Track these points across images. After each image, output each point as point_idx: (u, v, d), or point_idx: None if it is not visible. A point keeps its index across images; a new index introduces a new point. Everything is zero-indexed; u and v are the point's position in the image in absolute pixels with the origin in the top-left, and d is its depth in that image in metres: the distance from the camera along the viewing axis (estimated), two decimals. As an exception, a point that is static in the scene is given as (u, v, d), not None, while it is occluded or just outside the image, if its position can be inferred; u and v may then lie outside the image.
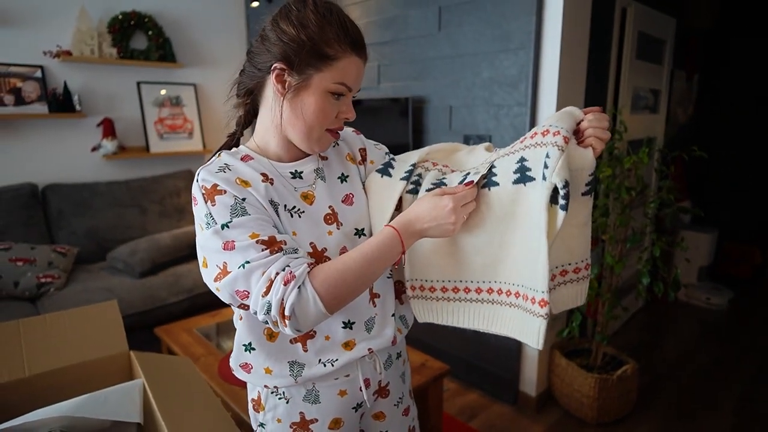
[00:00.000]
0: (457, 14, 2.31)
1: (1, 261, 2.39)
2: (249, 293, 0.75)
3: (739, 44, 4.13)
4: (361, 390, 0.96)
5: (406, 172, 0.93)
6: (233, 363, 0.92)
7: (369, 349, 0.93)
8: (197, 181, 0.81)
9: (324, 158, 0.94)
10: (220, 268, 0.76)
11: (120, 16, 3.03)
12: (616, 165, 2.11)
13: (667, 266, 2.43)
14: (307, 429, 0.94)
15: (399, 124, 2.55)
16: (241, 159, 0.86)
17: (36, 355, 0.93)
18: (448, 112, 2.43)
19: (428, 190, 0.89)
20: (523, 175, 0.79)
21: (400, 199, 0.93)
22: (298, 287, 0.73)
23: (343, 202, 0.92)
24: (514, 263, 0.83)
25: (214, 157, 0.87)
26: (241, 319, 0.90)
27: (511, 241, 0.83)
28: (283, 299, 0.73)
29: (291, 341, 0.89)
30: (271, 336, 0.89)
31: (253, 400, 0.98)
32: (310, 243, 0.85)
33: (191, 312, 2.61)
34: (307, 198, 0.88)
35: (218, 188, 0.79)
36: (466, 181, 0.85)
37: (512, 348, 2.29)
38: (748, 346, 3.01)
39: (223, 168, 0.82)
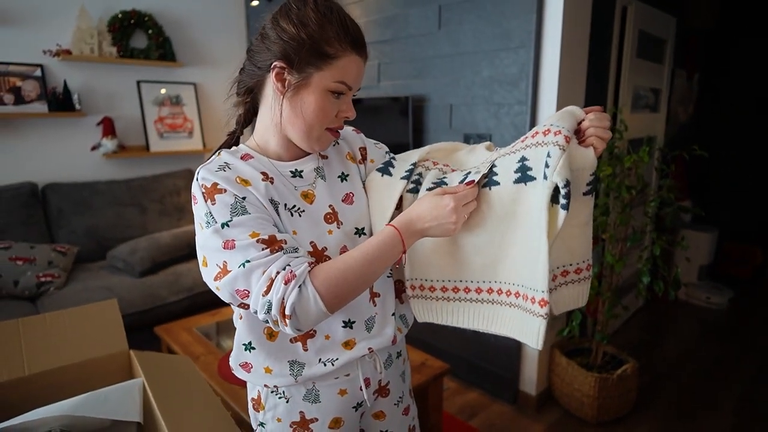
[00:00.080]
0: (457, 13, 2.30)
1: (1, 260, 2.39)
2: (249, 292, 0.75)
3: (740, 44, 4.13)
4: (361, 389, 0.96)
5: (406, 172, 0.93)
6: (233, 362, 0.92)
7: (369, 349, 0.93)
8: (197, 179, 0.81)
9: (324, 157, 0.94)
10: (220, 267, 0.76)
11: (120, 15, 3.02)
12: (617, 164, 2.11)
13: (668, 265, 2.42)
14: (307, 428, 0.93)
15: (399, 123, 2.55)
16: (241, 158, 0.86)
17: (36, 354, 0.93)
18: (449, 111, 2.43)
19: (429, 190, 0.89)
20: (524, 175, 0.79)
21: (401, 199, 0.92)
22: (299, 286, 0.73)
23: (343, 201, 0.92)
24: (513, 263, 0.83)
25: (214, 156, 0.87)
26: (241, 318, 0.90)
27: (512, 240, 0.83)
28: (283, 298, 0.73)
29: (291, 340, 0.89)
30: (271, 335, 0.89)
31: (253, 399, 0.98)
32: (311, 242, 0.85)
33: (191, 311, 2.61)
34: (308, 197, 0.88)
35: (218, 187, 0.79)
36: (467, 181, 0.85)
37: (512, 347, 2.29)
38: (749, 345, 3.01)
39: (223, 167, 0.82)
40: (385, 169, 0.96)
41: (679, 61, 3.63)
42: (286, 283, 0.73)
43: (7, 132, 2.76)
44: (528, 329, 0.81)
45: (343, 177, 0.94)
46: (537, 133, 0.79)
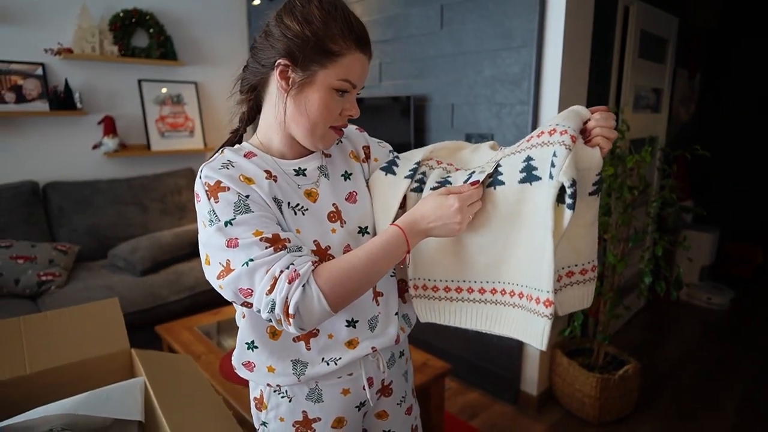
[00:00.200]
0: (459, 12, 2.30)
1: (2, 259, 2.39)
2: (252, 291, 0.75)
3: (742, 44, 4.12)
4: (364, 389, 0.95)
5: (410, 171, 0.93)
6: (236, 361, 0.92)
7: (372, 348, 0.92)
8: (200, 177, 0.80)
9: (327, 156, 0.94)
10: (223, 265, 0.76)
11: (121, 14, 3.02)
12: (619, 164, 2.11)
13: (669, 265, 2.42)
14: (309, 428, 0.93)
15: (401, 122, 2.55)
16: (245, 156, 0.86)
17: (37, 353, 0.92)
18: (450, 111, 2.42)
19: (433, 189, 0.88)
20: (529, 175, 0.79)
21: (404, 198, 0.92)
22: (303, 285, 0.73)
23: (346, 199, 0.91)
24: (518, 263, 0.83)
25: (217, 154, 0.86)
26: (244, 317, 0.89)
27: (516, 241, 0.82)
28: (287, 297, 0.72)
29: (294, 339, 0.89)
30: (274, 334, 0.88)
31: (255, 398, 0.97)
32: (314, 241, 0.85)
33: (192, 310, 2.61)
34: (311, 195, 0.88)
35: (221, 185, 0.78)
36: (471, 180, 0.85)
37: (513, 347, 2.29)
38: (750, 346, 3.01)
39: (226, 165, 0.82)
40: (389, 168, 0.95)
41: (681, 61, 3.63)
42: (289, 282, 0.72)
43: (8, 130, 2.76)
44: (532, 330, 0.80)
45: (347, 176, 0.94)
46: (542, 132, 0.79)
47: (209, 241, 0.77)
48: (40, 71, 2.79)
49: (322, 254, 0.85)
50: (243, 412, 1.54)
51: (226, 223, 0.76)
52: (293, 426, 0.93)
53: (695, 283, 3.66)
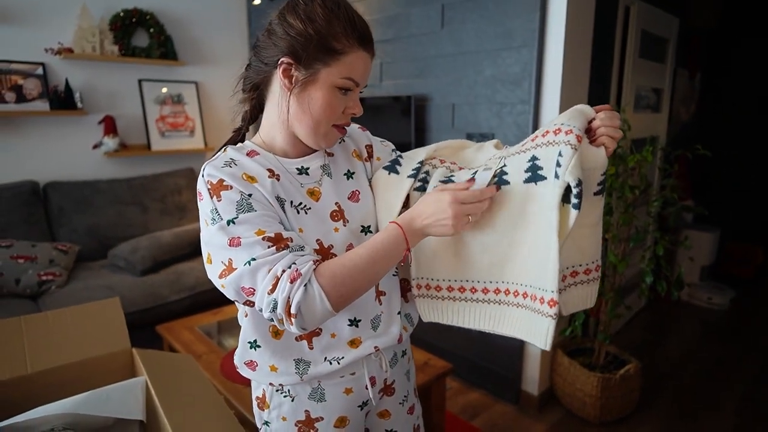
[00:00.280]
0: (460, 12, 2.30)
1: (3, 258, 2.38)
2: (254, 290, 0.74)
3: (742, 44, 4.12)
4: (366, 388, 0.95)
5: (413, 170, 0.92)
6: (238, 360, 0.91)
7: (375, 347, 0.92)
8: (203, 176, 0.80)
9: (330, 155, 0.94)
10: (225, 264, 0.76)
11: (121, 14, 3.02)
12: (620, 163, 2.10)
13: (670, 265, 2.42)
14: (312, 427, 0.93)
15: (401, 122, 2.54)
16: (247, 154, 0.85)
17: (38, 352, 0.92)
18: (451, 110, 2.42)
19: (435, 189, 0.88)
20: (534, 174, 0.78)
21: (408, 197, 0.92)
22: (305, 285, 0.73)
23: (349, 198, 0.91)
24: (522, 263, 0.82)
25: (219, 152, 0.86)
26: (246, 316, 0.89)
27: (520, 240, 0.82)
28: (289, 297, 0.72)
29: (296, 339, 0.88)
30: (277, 333, 0.88)
31: (257, 398, 0.97)
32: (317, 240, 0.84)
33: (193, 310, 2.61)
34: (314, 194, 0.87)
35: (224, 183, 0.78)
36: (467, 178, 0.85)
37: (515, 347, 2.29)
38: (750, 346, 3.01)
39: (229, 163, 0.82)
40: (392, 168, 0.95)
41: (681, 61, 3.63)
42: (291, 282, 0.72)
43: (8, 130, 2.76)
44: (536, 330, 0.80)
45: (349, 174, 0.94)
46: (548, 132, 0.79)
47: (211, 239, 0.77)
48: (40, 71, 2.79)
49: (324, 253, 0.84)
50: (244, 411, 1.54)
51: (228, 222, 0.76)
52: (296, 425, 0.93)
53: (696, 283, 3.66)
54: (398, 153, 1.01)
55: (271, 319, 0.75)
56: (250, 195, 0.79)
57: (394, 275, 0.96)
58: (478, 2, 2.21)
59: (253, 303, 0.76)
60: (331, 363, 0.89)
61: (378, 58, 2.71)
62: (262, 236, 0.75)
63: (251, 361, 0.90)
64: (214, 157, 0.84)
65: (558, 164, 0.74)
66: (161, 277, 2.65)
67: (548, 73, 2.03)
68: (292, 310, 0.72)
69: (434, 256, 0.92)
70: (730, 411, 2.34)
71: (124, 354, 0.98)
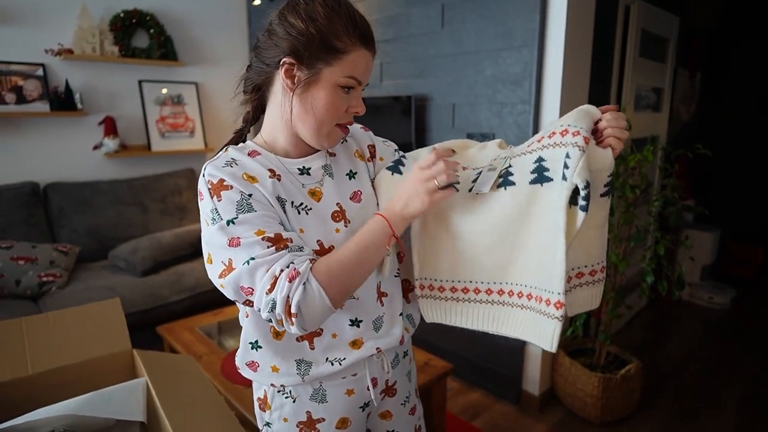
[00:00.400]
0: (460, 12, 2.30)
1: (3, 260, 2.38)
2: (253, 290, 0.74)
3: (742, 44, 4.12)
4: (368, 389, 0.95)
5: None
6: (239, 361, 0.91)
7: (377, 349, 0.92)
8: (203, 175, 0.80)
9: (332, 155, 0.93)
10: (225, 264, 0.76)
11: (121, 14, 3.02)
12: (621, 163, 2.10)
13: (671, 265, 2.42)
14: (313, 428, 0.93)
15: (401, 122, 2.54)
16: (249, 154, 0.85)
17: (39, 354, 0.92)
18: (451, 110, 2.42)
19: (440, 189, 0.88)
20: (540, 176, 0.78)
21: None
22: (303, 283, 0.73)
23: (351, 199, 0.91)
24: (526, 264, 0.82)
25: (221, 152, 0.86)
26: (247, 316, 0.89)
27: (525, 241, 0.81)
28: (288, 296, 0.72)
29: (297, 339, 0.88)
30: (278, 334, 0.88)
31: (259, 399, 0.97)
32: (317, 241, 0.84)
33: (193, 311, 2.61)
34: (315, 195, 0.87)
35: (225, 183, 0.78)
36: (473, 178, 0.85)
37: (515, 347, 2.29)
38: (751, 345, 3.01)
39: (230, 163, 0.82)
40: (395, 168, 0.95)
41: (682, 61, 3.63)
42: (290, 281, 0.72)
43: (8, 131, 2.76)
44: (542, 331, 0.80)
45: (352, 175, 0.93)
46: (554, 133, 0.78)
47: (212, 239, 0.77)
48: (40, 72, 2.79)
49: (325, 254, 0.84)
50: (245, 412, 1.54)
51: (228, 222, 0.76)
52: (297, 426, 0.93)
53: (697, 283, 3.66)
54: (401, 153, 1.01)
55: (270, 320, 0.75)
56: (250, 195, 0.78)
57: (396, 276, 0.96)
58: (478, 2, 2.21)
59: (253, 303, 0.76)
60: (332, 364, 0.89)
61: (378, 58, 2.71)
62: (261, 236, 0.75)
63: (252, 361, 0.90)
64: (215, 157, 0.84)
65: (566, 166, 0.74)
66: (162, 278, 2.64)
67: (548, 72, 2.03)
68: (293, 310, 0.72)
69: (438, 256, 0.91)
70: (731, 410, 2.34)
71: (124, 355, 0.98)
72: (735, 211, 4.19)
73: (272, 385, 0.92)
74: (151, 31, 3.14)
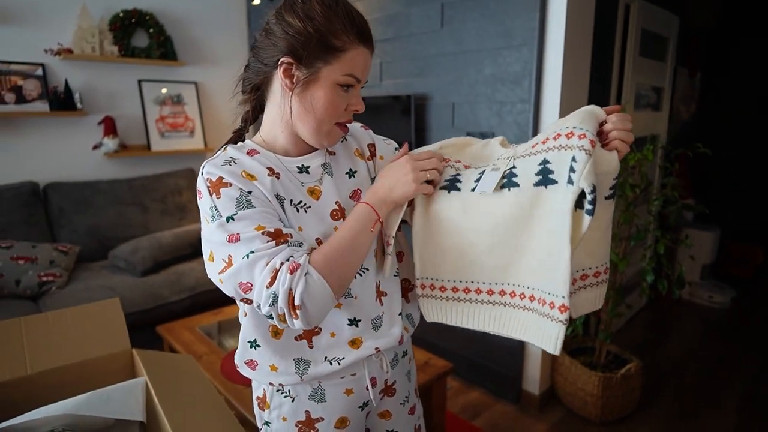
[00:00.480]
0: (459, 11, 2.30)
1: (3, 259, 2.38)
2: (252, 285, 0.74)
3: (741, 44, 4.12)
4: (367, 389, 0.95)
5: None
6: (238, 360, 0.91)
7: (376, 348, 0.92)
8: (202, 174, 0.80)
9: (332, 153, 0.93)
10: (225, 261, 0.75)
11: (121, 14, 3.02)
12: (620, 162, 2.10)
13: (671, 264, 2.42)
14: (312, 428, 0.93)
15: (401, 121, 2.54)
16: (247, 153, 0.85)
17: (38, 353, 0.92)
18: (451, 110, 2.42)
19: (442, 188, 0.88)
20: (545, 178, 0.78)
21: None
22: (305, 275, 0.73)
23: (350, 197, 0.91)
24: (528, 266, 0.82)
25: (219, 151, 0.86)
26: (246, 315, 0.89)
27: (527, 243, 0.81)
28: (291, 289, 0.72)
29: (296, 338, 0.88)
30: (277, 333, 0.88)
31: (258, 398, 0.97)
32: (316, 239, 0.84)
33: (193, 310, 2.61)
34: (314, 193, 0.87)
35: (223, 181, 0.78)
36: (476, 178, 0.84)
37: (515, 347, 2.29)
38: (751, 344, 3.01)
39: (228, 161, 0.82)
40: None
41: (681, 60, 3.62)
42: (291, 273, 0.72)
43: (8, 131, 2.76)
44: (546, 334, 0.80)
45: (351, 173, 0.93)
46: (559, 135, 0.77)
47: (211, 237, 0.77)
48: (40, 72, 2.79)
49: None
50: (245, 412, 1.54)
51: (227, 219, 0.76)
52: (296, 426, 0.93)
53: (697, 282, 3.65)
54: None
55: (270, 316, 0.75)
56: (249, 192, 0.78)
57: (395, 275, 0.96)
58: (478, 1, 2.21)
59: (251, 300, 0.76)
60: (331, 363, 0.89)
61: (378, 58, 2.71)
62: (261, 231, 0.75)
63: (251, 360, 0.90)
64: (214, 156, 0.84)
65: (572, 170, 0.73)
66: (162, 278, 2.64)
67: (548, 71, 2.03)
68: (296, 302, 0.72)
69: (439, 256, 0.91)
70: (731, 409, 2.34)
71: (124, 355, 0.98)
72: (735, 210, 4.18)
73: (271, 384, 0.92)
74: (151, 30, 3.14)
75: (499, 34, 2.16)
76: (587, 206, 0.73)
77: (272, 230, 0.76)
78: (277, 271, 0.72)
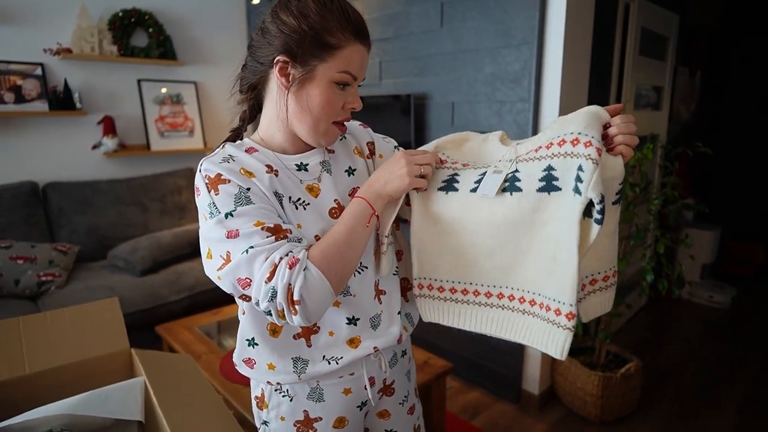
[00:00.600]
0: (459, 10, 2.29)
1: (2, 259, 2.38)
2: (251, 280, 0.73)
3: (741, 44, 4.12)
4: (365, 388, 0.95)
5: None
6: (236, 358, 0.91)
7: (374, 348, 0.91)
8: (200, 171, 0.80)
9: (331, 151, 0.93)
10: (223, 258, 0.75)
11: (120, 14, 3.02)
12: (621, 163, 2.09)
13: (671, 263, 2.41)
14: (311, 427, 0.92)
15: (401, 121, 2.54)
16: (246, 151, 0.85)
17: (37, 353, 0.92)
18: (450, 109, 2.42)
19: (440, 189, 0.87)
20: (548, 184, 0.77)
21: (408, 195, 0.91)
22: (304, 269, 0.72)
23: (350, 195, 0.91)
24: (530, 271, 0.81)
25: (218, 149, 0.86)
26: (244, 313, 0.89)
27: (528, 248, 0.80)
28: (290, 284, 0.71)
29: (294, 337, 0.88)
30: (275, 331, 0.87)
31: (256, 397, 0.97)
32: (315, 236, 0.84)
33: (192, 310, 2.61)
34: (313, 191, 0.87)
35: (222, 177, 0.78)
36: (475, 179, 0.84)
37: (515, 347, 2.28)
38: (751, 344, 3.00)
39: (227, 159, 0.81)
40: None
41: (681, 59, 3.62)
42: (290, 268, 0.71)
43: (7, 131, 2.75)
44: (550, 340, 0.79)
45: (350, 171, 0.93)
46: (564, 141, 0.76)
47: (210, 234, 0.77)
48: (39, 71, 2.79)
49: None
50: (244, 411, 1.53)
51: (226, 215, 0.75)
52: (294, 425, 0.92)
53: (697, 282, 3.65)
54: (401, 149, 1.00)
55: (269, 312, 0.74)
56: (248, 189, 0.78)
57: (394, 274, 0.95)
58: (478, 0, 2.21)
59: (250, 297, 0.76)
60: (329, 363, 0.88)
61: (377, 57, 2.70)
62: (260, 227, 0.75)
63: (249, 358, 0.89)
64: (212, 154, 0.84)
65: (579, 179, 0.73)
66: (161, 278, 2.64)
67: (548, 71, 2.02)
68: (295, 297, 0.71)
69: (438, 256, 0.90)
70: (731, 410, 2.34)
71: (122, 354, 0.98)
72: (735, 210, 4.18)
73: (269, 383, 0.91)
74: (150, 30, 3.14)
75: (499, 33, 2.15)
76: (596, 215, 0.72)
77: (272, 226, 0.75)
78: (276, 266, 0.72)
